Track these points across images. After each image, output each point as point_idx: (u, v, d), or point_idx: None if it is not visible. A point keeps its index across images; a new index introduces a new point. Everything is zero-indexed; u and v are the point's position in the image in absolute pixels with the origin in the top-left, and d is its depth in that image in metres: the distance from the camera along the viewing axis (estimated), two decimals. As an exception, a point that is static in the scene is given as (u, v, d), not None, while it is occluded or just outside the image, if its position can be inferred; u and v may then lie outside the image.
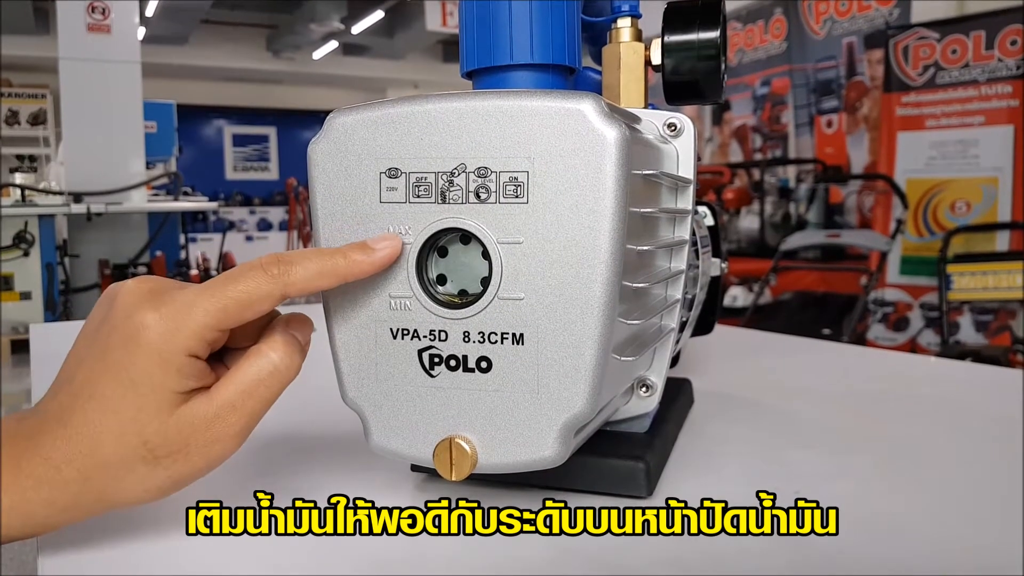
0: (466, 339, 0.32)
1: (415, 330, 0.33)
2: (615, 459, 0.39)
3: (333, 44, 9.11)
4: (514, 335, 0.32)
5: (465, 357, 0.33)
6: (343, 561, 0.32)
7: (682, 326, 0.47)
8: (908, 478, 0.42)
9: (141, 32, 5.15)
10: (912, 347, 3.23)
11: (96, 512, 0.32)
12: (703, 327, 0.59)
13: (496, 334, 0.32)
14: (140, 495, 0.32)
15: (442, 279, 0.34)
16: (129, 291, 0.32)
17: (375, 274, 0.33)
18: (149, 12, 7.46)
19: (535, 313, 0.31)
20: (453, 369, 0.33)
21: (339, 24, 8.08)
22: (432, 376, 0.33)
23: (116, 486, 0.31)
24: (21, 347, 3.81)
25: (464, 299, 0.33)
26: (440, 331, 0.33)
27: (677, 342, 0.45)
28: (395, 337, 0.33)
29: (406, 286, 0.33)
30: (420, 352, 0.33)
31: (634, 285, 0.33)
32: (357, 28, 8.42)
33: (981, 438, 0.50)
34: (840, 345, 0.86)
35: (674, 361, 0.51)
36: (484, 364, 0.32)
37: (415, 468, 0.40)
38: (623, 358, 0.34)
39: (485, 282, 0.32)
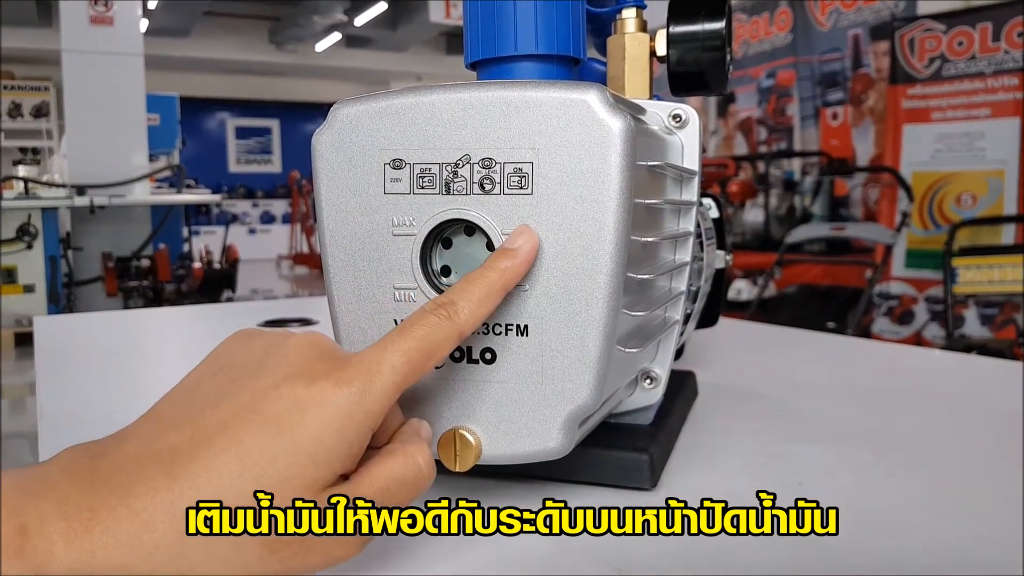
0: (470, 331, 0.32)
1: (419, 322, 0.33)
2: (619, 451, 0.39)
3: (336, 36, 9.09)
4: (518, 326, 0.32)
5: (469, 348, 0.33)
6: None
7: (686, 318, 0.47)
8: (911, 472, 0.42)
9: (144, 24, 5.15)
10: (917, 340, 3.22)
11: None
12: (707, 319, 0.59)
13: (500, 325, 0.32)
14: None
15: (446, 270, 0.33)
16: (297, 348, 0.28)
17: (380, 268, 0.33)
18: (151, 4, 7.45)
19: (539, 304, 0.31)
20: (457, 360, 0.33)
21: (342, 16, 8.06)
22: (436, 368, 0.33)
23: (216, 565, 0.25)
24: (25, 340, 3.82)
25: (468, 291, 0.33)
26: (444, 323, 0.33)
27: (681, 334, 0.45)
28: (399, 329, 0.33)
29: (410, 277, 0.33)
30: (424, 344, 0.33)
31: (638, 277, 0.33)
32: (360, 20, 8.39)
33: (984, 432, 0.50)
34: (844, 338, 0.86)
35: (678, 353, 0.50)
36: (488, 355, 0.32)
37: (419, 460, 0.40)
38: (627, 350, 0.34)
39: (489, 273, 0.32)
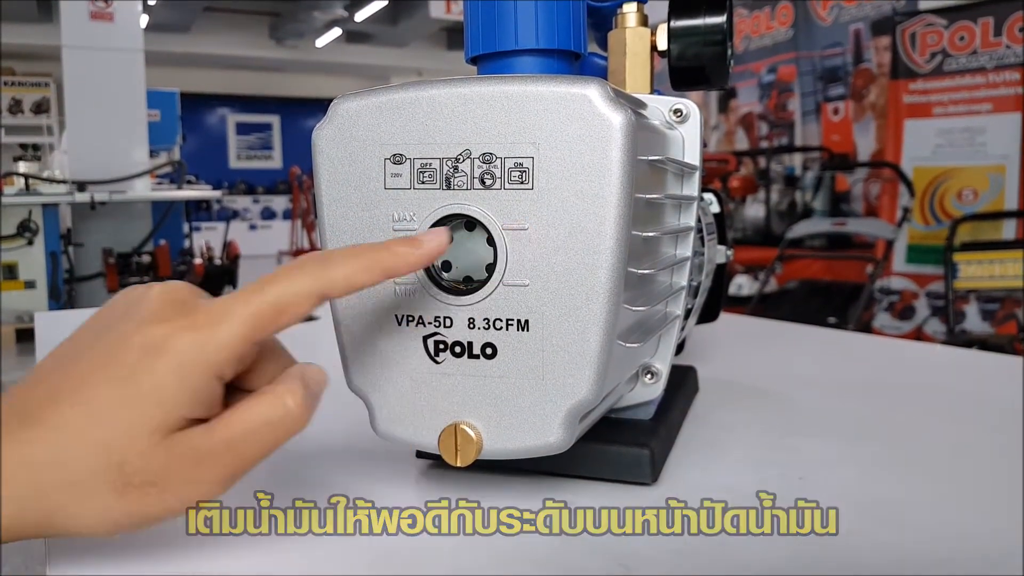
0: (471, 325, 0.32)
1: (420, 316, 0.33)
2: (620, 446, 0.39)
3: (336, 32, 9.07)
4: (519, 321, 0.32)
5: (470, 343, 0.33)
6: (342, 561, 0.32)
7: (687, 313, 0.47)
8: (912, 467, 0.42)
9: (144, 20, 5.14)
10: (918, 336, 3.22)
11: (38, 535, 0.28)
12: (708, 314, 0.59)
13: (501, 320, 0.32)
14: (94, 526, 0.27)
15: (447, 265, 0.33)
16: (156, 296, 0.29)
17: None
18: (151, 0, 7.43)
19: (540, 299, 0.31)
20: (458, 355, 0.33)
21: (342, 11, 8.05)
22: (437, 362, 0.33)
23: (73, 510, 0.27)
24: (26, 336, 3.82)
25: (469, 285, 0.33)
26: (445, 317, 0.33)
27: (682, 329, 0.45)
28: (400, 323, 0.33)
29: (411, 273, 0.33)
30: (425, 338, 0.33)
31: (639, 271, 0.33)
32: (360, 15, 8.38)
33: (985, 427, 0.50)
34: (845, 333, 0.86)
35: (679, 348, 0.50)
36: (489, 350, 0.32)
37: (420, 455, 0.40)
38: (628, 345, 0.34)
39: (490, 268, 0.32)
